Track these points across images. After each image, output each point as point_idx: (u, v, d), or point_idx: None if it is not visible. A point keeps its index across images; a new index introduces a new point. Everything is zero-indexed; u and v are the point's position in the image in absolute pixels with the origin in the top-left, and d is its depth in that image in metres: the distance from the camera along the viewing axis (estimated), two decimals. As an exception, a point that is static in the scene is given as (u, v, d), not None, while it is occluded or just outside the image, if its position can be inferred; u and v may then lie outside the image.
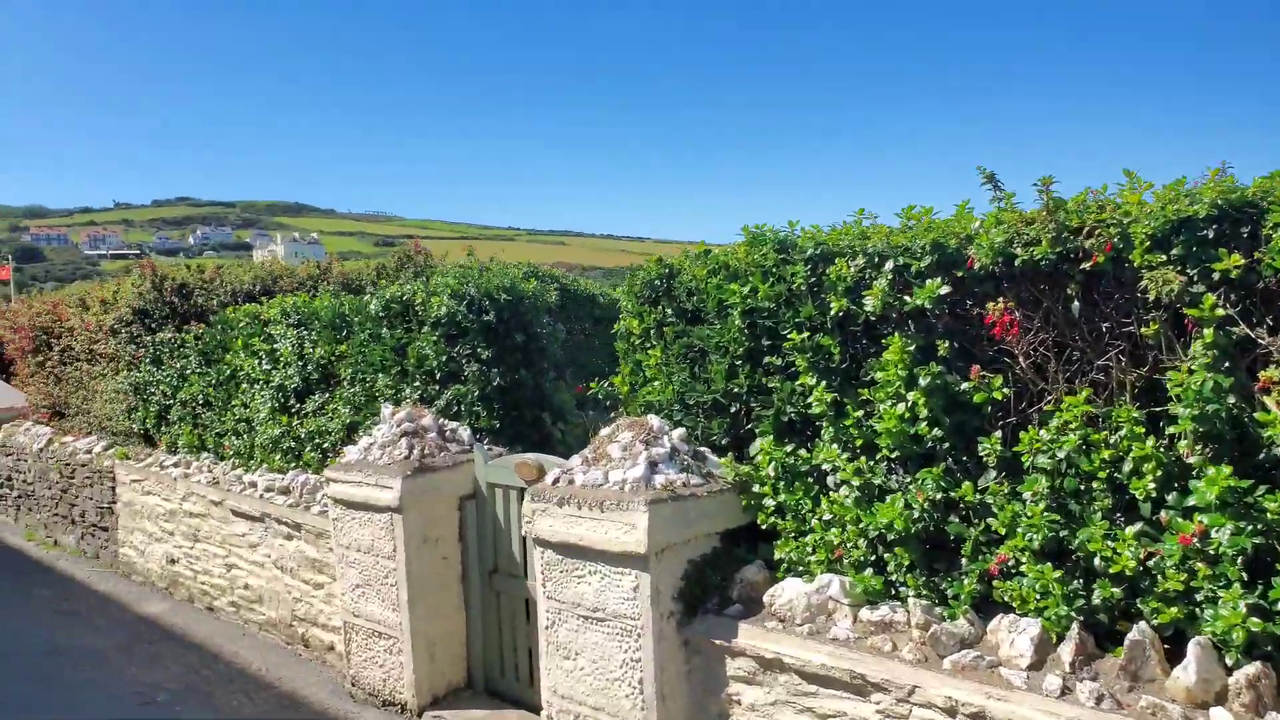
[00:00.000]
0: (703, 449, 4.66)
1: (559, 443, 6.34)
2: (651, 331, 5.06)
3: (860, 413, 4.12)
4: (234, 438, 8.26)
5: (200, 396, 8.84)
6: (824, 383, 4.19)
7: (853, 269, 4.13)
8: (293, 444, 7.49)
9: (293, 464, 7.53)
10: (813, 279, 4.28)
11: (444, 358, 6.19)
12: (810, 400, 4.24)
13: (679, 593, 4.29)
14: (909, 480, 3.99)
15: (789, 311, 4.37)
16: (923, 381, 3.83)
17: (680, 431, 4.61)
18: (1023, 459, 3.66)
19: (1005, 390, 3.73)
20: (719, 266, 4.73)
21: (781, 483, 4.33)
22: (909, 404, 3.90)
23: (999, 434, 3.75)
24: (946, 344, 3.87)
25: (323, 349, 7.25)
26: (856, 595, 3.92)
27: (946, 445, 3.89)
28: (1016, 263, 3.61)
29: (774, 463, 4.32)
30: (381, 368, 6.69)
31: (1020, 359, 3.73)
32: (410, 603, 5.62)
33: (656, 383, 4.98)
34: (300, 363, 7.48)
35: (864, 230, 4.31)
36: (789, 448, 4.33)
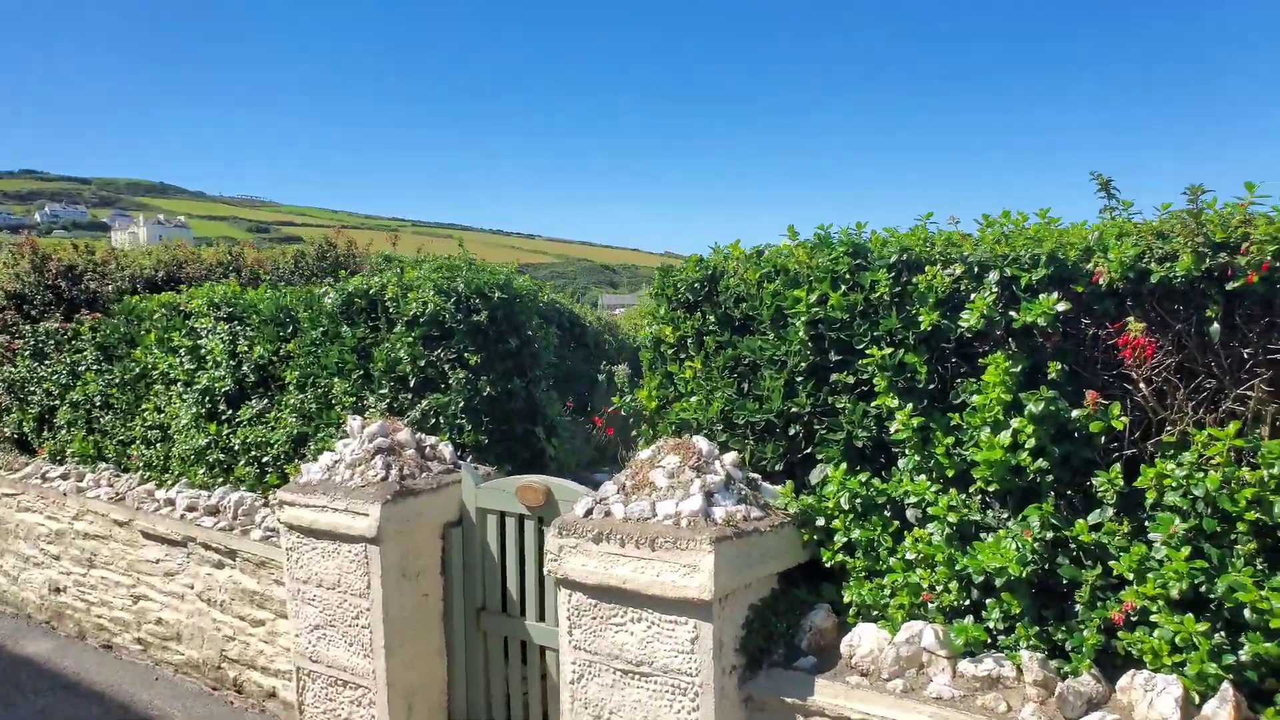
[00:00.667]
0: (754, 475, 4.23)
1: (551, 460, 5.79)
2: (689, 341, 4.60)
3: (950, 440, 3.77)
4: (144, 447, 7.33)
5: (98, 398, 7.84)
6: (910, 405, 3.83)
7: (947, 279, 3.78)
8: (222, 456, 6.66)
9: (221, 479, 6.71)
10: (896, 288, 3.91)
11: (422, 362, 5.55)
12: (894, 424, 3.87)
13: (741, 643, 3.84)
14: (1005, 516, 3.67)
15: (865, 324, 3.99)
16: (1034, 408, 3.51)
17: (733, 456, 4.16)
18: (1146, 495, 3.38)
19: (1123, 419, 3.45)
20: (775, 270, 4.31)
21: (852, 516, 3.94)
22: (1012, 432, 3.58)
23: (1118, 467, 3.46)
24: (1058, 366, 3.56)
25: (262, 348, 6.46)
26: (956, 646, 3.56)
27: (1051, 478, 3.59)
28: (1153, 279, 3.33)
29: (846, 493, 3.93)
30: (339, 371, 5.99)
31: (1141, 384, 3.45)
32: (387, 648, 4.96)
33: (694, 398, 4.52)
34: (233, 363, 6.66)
35: (950, 237, 3.97)
36: (862, 477, 3.95)
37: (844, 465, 3.99)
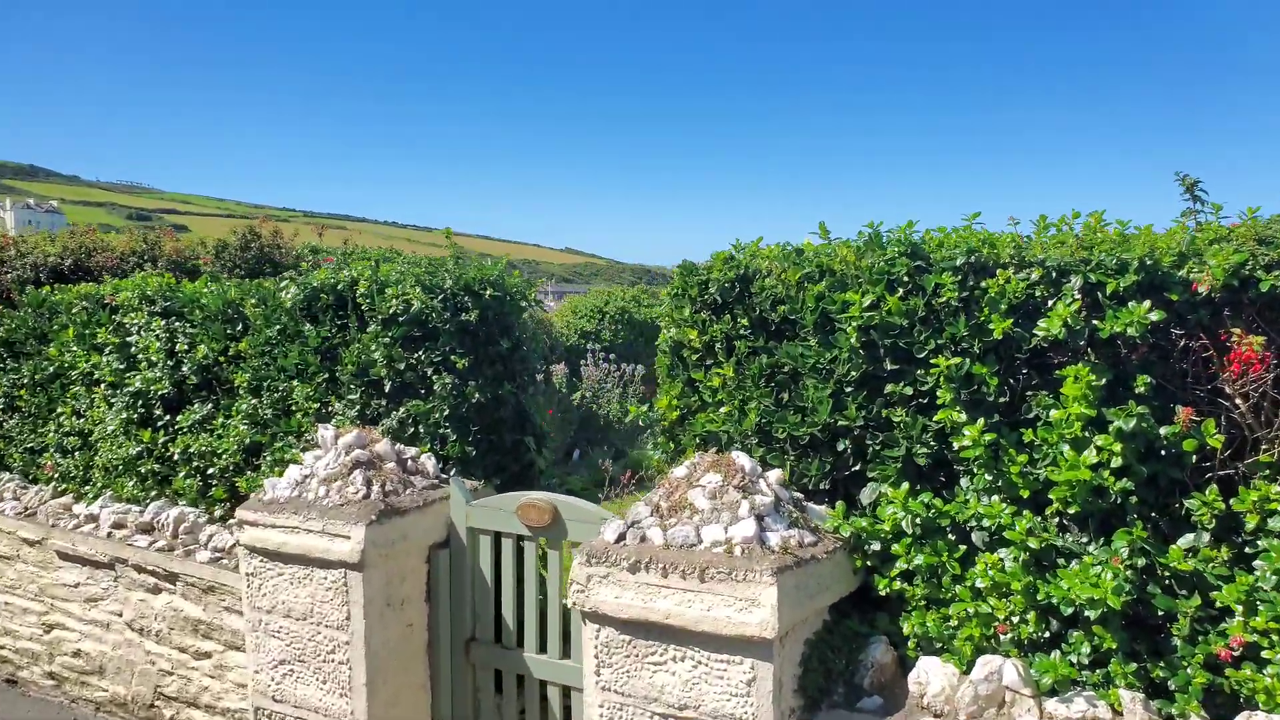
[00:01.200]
0: (797, 495, 3.91)
1: (541, 474, 5.36)
2: (717, 346, 4.24)
3: (1024, 458, 3.52)
4: (60, 456, 6.58)
5: (1, 400, 7.03)
6: (980, 420, 3.56)
7: (1021, 284, 3.52)
8: (157, 467, 6.00)
9: (155, 493, 6.05)
10: (963, 293, 3.64)
11: (401, 365, 5.04)
12: (962, 439, 3.60)
13: (799, 684, 3.52)
14: (1086, 541, 3.44)
15: (926, 331, 3.71)
16: (1123, 424, 3.28)
17: (777, 474, 3.83)
18: (1245, 519, 3.19)
19: (1219, 437, 3.25)
20: (819, 271, 4.00)
21: (912, 540, 3.66)
22: (1096, 449, 3.34)
23: (1214, 488, 3.26)
24: (1146, 380, 3.34)
25: (207, 347, 5.83)
26: (1042, 685, 3.30)
27: (1135, 500, 3.37)
28: (1262, 287, 3.13)
29: (908, 515, 3.64)
30: (300, 374, 5.42)
31: (1238, 400, 3.26)
32: (369, 685, 4.46)
33: (723, 409, 4.17)
34: (171, 363, 6.00)
35: (1016, 239, 3.73)
36: (924, 497, 3.67)
37: (905, 484, 3.70)
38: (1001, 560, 3.49)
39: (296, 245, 11.92)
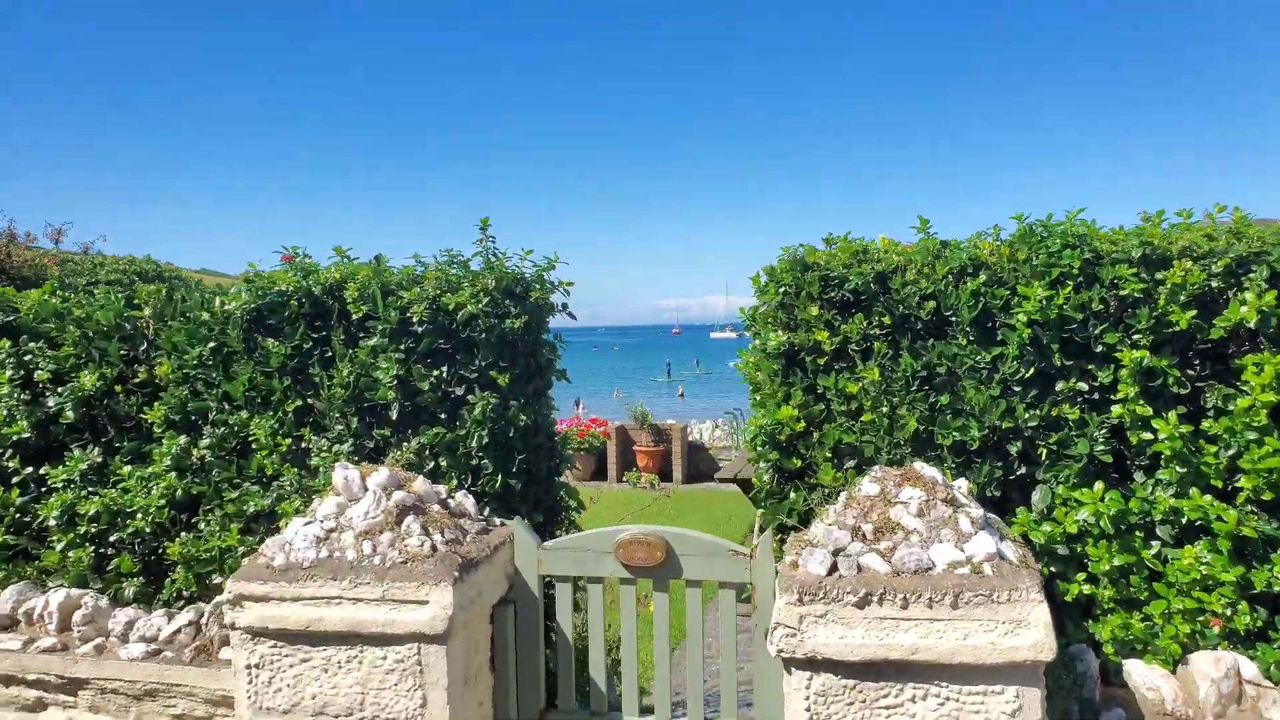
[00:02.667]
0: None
1: (576, 508, 4.73)
2: (851, 348, 3.97)
3: (1214, 449, 3.62)
4: None
5: None
6: (1171, 413, 3.61)
7: (1202, 275, 3.63)
8: (10, 539, 4.56)
9: (2, 572, 4.60)
10: (1142, 286, 3.68)
11: (425, 385, 4.21)
12: (1141, 435, 3.63)
13: (1046, 707, 3.34)
14: (1277, 527, 3.60)
15: (1101, 324, 3.71)
16: (1314, 410, 3.48)
17: (965, 484, 3.63)
18: None
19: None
20: (973, 265, 3.87)
21: (1107, 540, 3.64)
22: (1286, 436, 3.52)
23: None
24: (1325, 366, 3.57)
25: (94, 375, 4.52)
26: (1274, 675, 3.40)
27: (1314, 486, 3.59)
28: None
29: (1104, 515, 3.61)
30: (256, 403, 4.37)
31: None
32: (454, 790, 3.64)
33: (864, 417, 3.90)
34: (26, 397, 4.60)
35: (1168, 232, 3.84)
36: (1111, 495, 3.65)
37: (1099, 484, 3.66)
38: (1202, 552, 3.56)
39: (32, 256, 9.82)
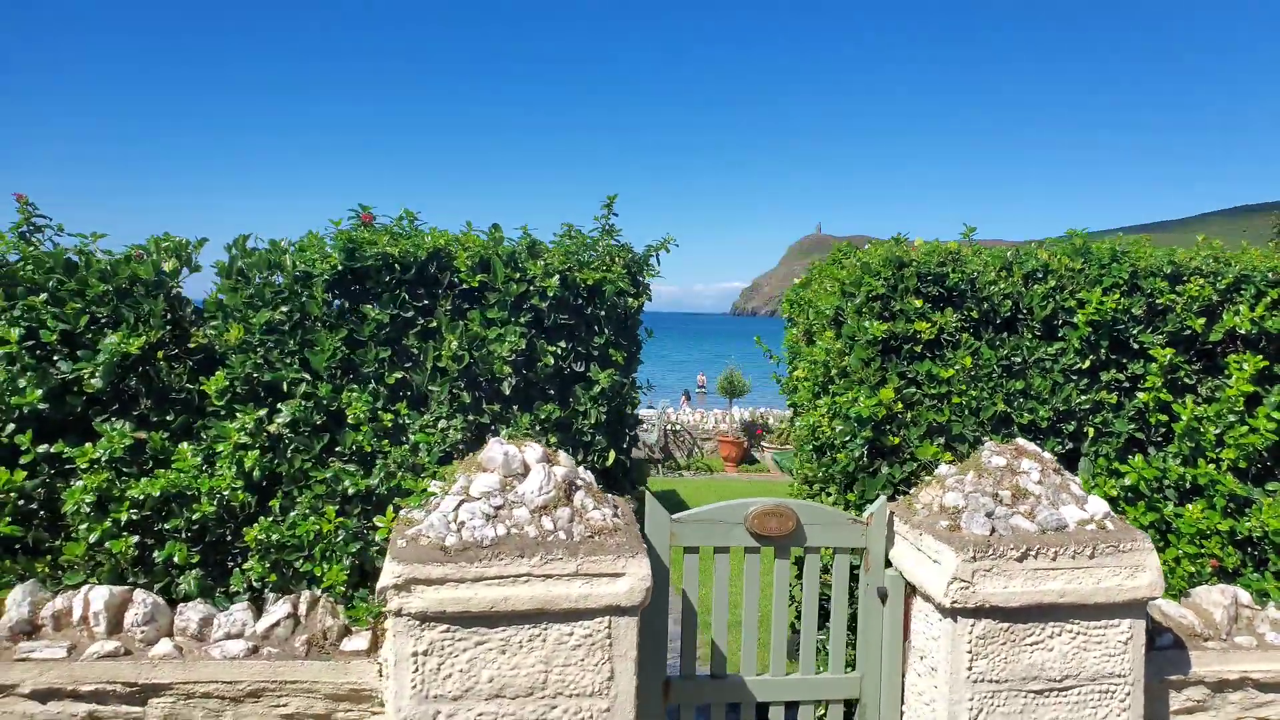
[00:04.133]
0: (1044, 474, 4.59)
1: (643, 482, 4.98)
2: (943, 338, 4.65)
3: (1211, 427, 4.76)
4: None
5: None
6: (1189, 397, 4.70)
7: (1209, 289, 4.74)
8: (16, 530, 3.98)
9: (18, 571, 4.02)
10: (1169, 296, 4.72)
11: (551, 361, 4.28)
12: (1158, 417, 4.68)
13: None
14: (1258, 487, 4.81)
15: (1138, 326, 4.70)
16: (1277, 399, 4.73)
17: (1051, 456, 4.46)
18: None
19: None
20: (1042, 271, 4.71)
21: (1140, 502, 4.65)
22: (1267, 417, 4.73)
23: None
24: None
25: (138, 339, 4.04)
26: (1258, 600, 4.58)
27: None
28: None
29: (1140, 482, 4.62)
30: (345, 376, 4.18)
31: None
32: (637, 761, 3.85)
33: (954, 400, 4.61)
34: (32, 360, 4.02)
35: (1182, 255, 4.90)
36: (1145, 465, 4.68)
37: (1138, 455, 4.66)
38: (1201, 507, 4.69)
39: None
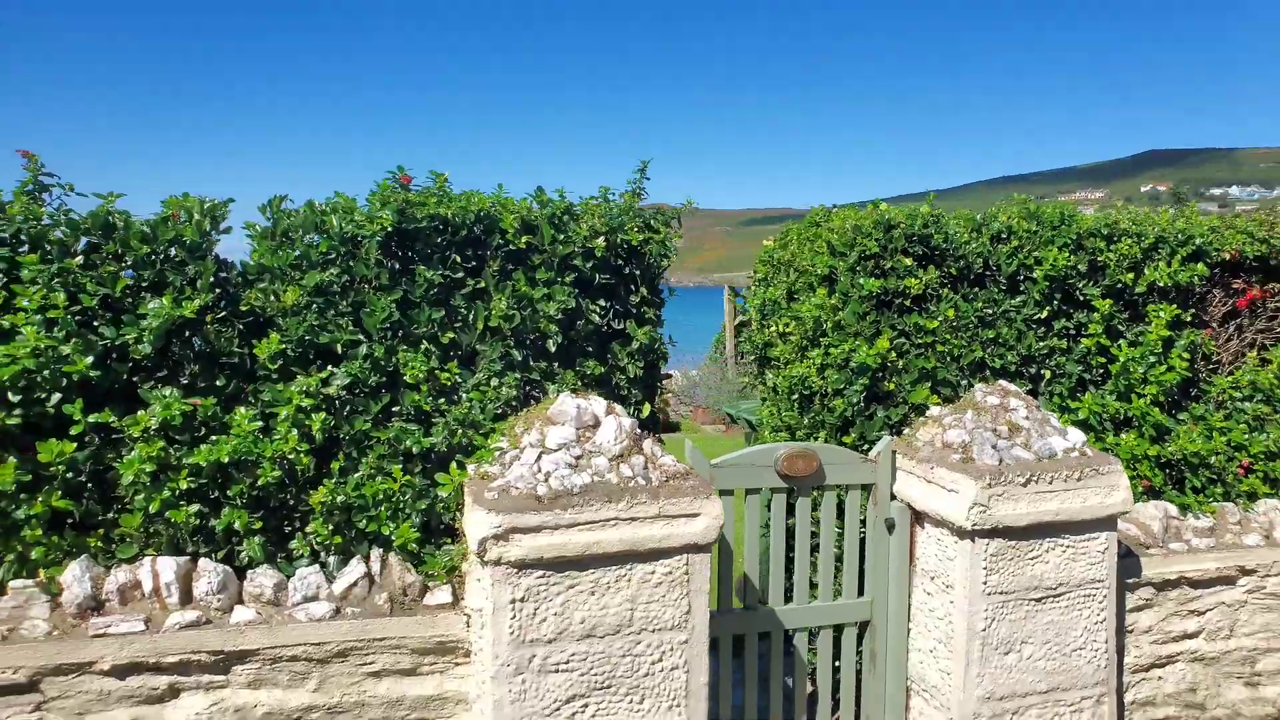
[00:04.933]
0: (1013, 412, 5.27)
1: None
2: (928, 293, 5.23)
3: (1137, 368, 5.60)
4: None
5: None
6: (1123, 341, 5.52)
7: (1136, 249, 5.57)
8: (67, 504, 3.87)
9: (46, 545, 3.90)
10: (1105, 254, 5.51)
11: (596, 318, 4.53)
12: (1097, 359, 5.49)
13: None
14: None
15: (1084, 280, 5.47)
16: (1184, 342, 5.65)
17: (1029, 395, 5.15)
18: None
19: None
20: (1006, 232, 5.37)
21: (1089, 434, 5.44)
22: (1179, 358, 5.63)
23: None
24: (1191, 314, 5.76)
25: (192, 304, 3.97)
26: (1181, 512, 5.48)
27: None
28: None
29: (1090, 415, 5.41)
30: (396, 336, 4.29)
31: (1243, 323, 5.91)
32: (708, 687, 4.21)
33: (938, 348, 5.22)
34: (77, 320, 3.90)
35: (1115, 217, 5.72)
36: (1092, 400, 5.47)
37: (1088, 394, 5.44)
38: (1134, 438, 5.54)
39: None
